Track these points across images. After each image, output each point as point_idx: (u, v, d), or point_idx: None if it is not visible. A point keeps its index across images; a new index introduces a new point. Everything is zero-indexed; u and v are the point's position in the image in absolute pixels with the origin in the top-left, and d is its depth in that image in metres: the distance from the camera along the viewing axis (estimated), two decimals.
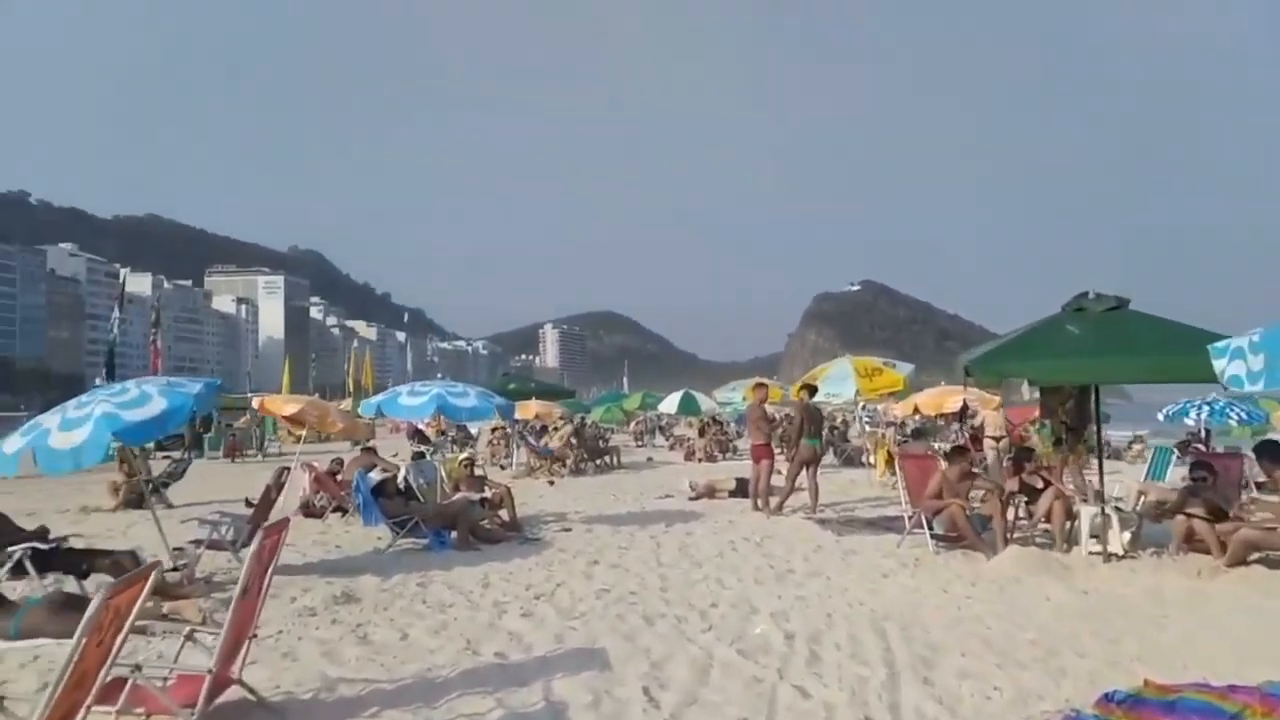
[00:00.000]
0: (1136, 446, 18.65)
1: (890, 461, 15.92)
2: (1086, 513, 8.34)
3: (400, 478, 10.63)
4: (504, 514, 10.99)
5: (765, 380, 13.40)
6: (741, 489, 14.47)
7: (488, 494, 10.90)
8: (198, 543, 8.04)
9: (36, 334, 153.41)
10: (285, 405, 14.41)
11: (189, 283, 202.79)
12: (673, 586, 7.61)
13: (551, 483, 17.49)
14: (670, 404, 28.36)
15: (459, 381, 12.93)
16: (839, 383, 13.20)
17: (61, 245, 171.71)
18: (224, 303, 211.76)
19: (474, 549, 9.42)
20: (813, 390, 12.49)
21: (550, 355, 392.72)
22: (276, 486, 9.52)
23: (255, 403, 17.24)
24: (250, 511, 9.08)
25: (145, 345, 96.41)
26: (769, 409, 13.60)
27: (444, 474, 11.98)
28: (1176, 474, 12.41)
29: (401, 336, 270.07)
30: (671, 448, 30.12)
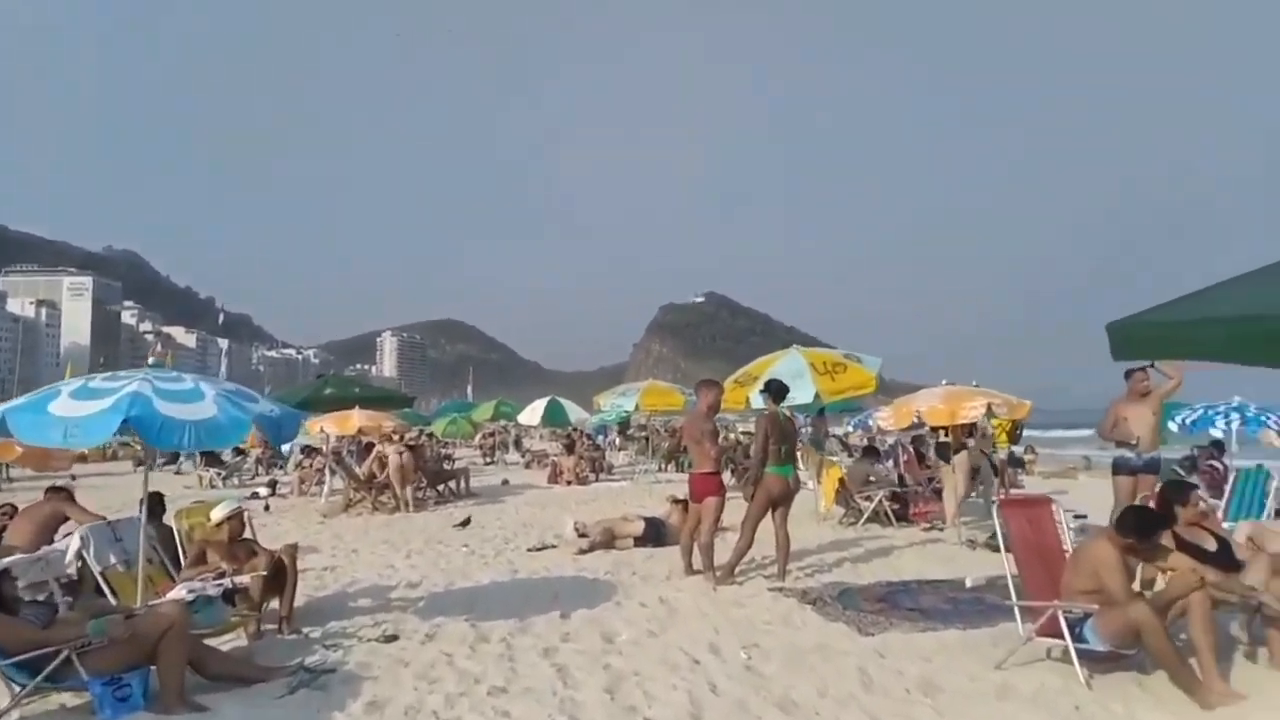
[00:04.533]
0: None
1: (842, 488, 11.99)
2: None
3: (69, 554, 5.64)
4: (277, 603, 6.24)
5: (715, 379, 9.01)
6: (654, 535, 10.13)
7: (245, 577, 6.01)
8: None
9: None
10: None
11: None
12: None
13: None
14: (532, 414, 23.60)
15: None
16: (791, 383, 9.08)
17: None
18: (20, 305, 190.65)
19: (192, 710, 4.62)
20: (778, 392, 8.26)
21: (388, 364, 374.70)
22: None
23: None
24: None
25: None
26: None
27: (180, 536, 6.95)
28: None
29: (224, 343, 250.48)
30: (528, 465, 25.55)
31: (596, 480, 19.76)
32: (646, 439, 24.71)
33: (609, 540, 10.01)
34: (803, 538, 9.94)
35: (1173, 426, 12.88)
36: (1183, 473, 13.81)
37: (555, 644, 5.94)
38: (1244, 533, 7.61)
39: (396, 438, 15.63)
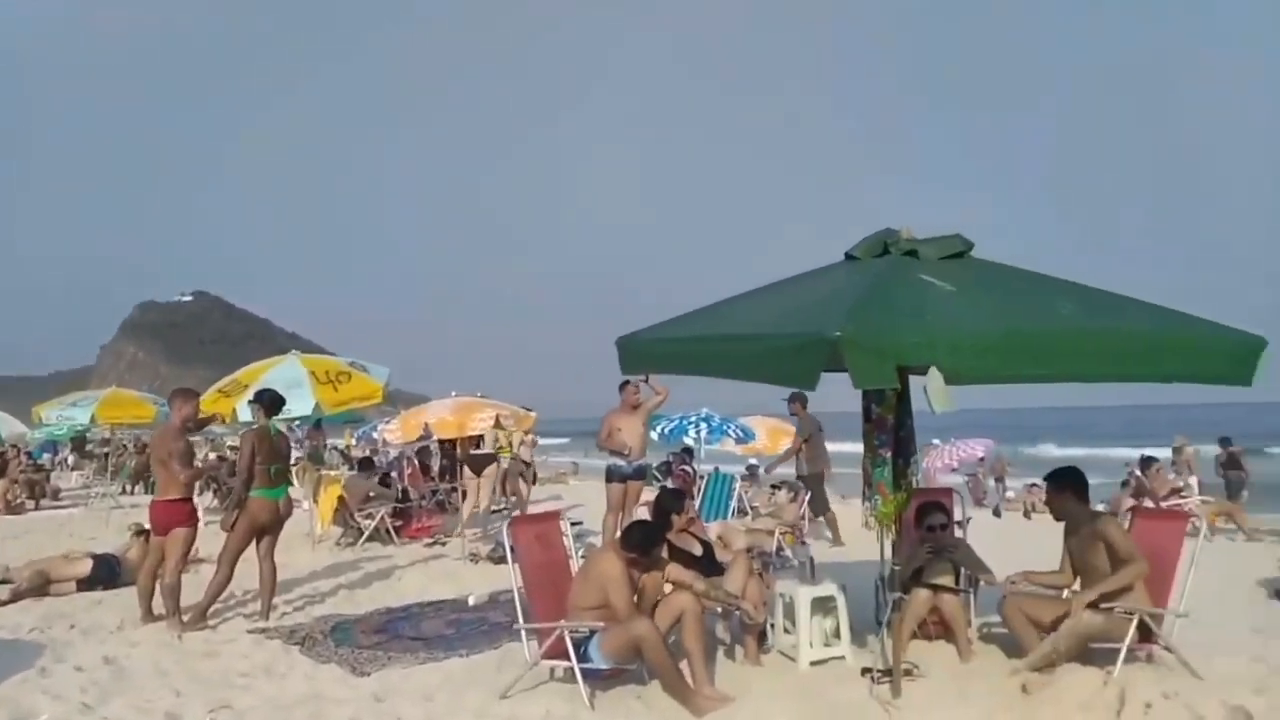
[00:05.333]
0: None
1: (341, 506, 11.11)
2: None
3: None
4: None
5: (193, 389, 7.51)
6: (106, 574, 8.32)
7: None
8: None
9: None
10: None
11: None
12: None
13: None
14: None
15: None
16: (287, 393, 8.10)
17: None
18: None
19: None
20: (271, 404, 7.19)
21: None
22: None
23: None
24: None
25: None
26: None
27: None
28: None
29: None
30: None
31: (36, 508, 16.28)
32: (106, 455, 21.04)
33: (42, 585, 8.00)
34: (294, 565, 8.94)
35: (654, 436, 14.23)
36: (661, 477, 15.37)
37: None
38: (715, 532, 8.44)
39: None
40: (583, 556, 5.80)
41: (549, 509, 7.78)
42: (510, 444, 16.43)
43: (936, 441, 20.38)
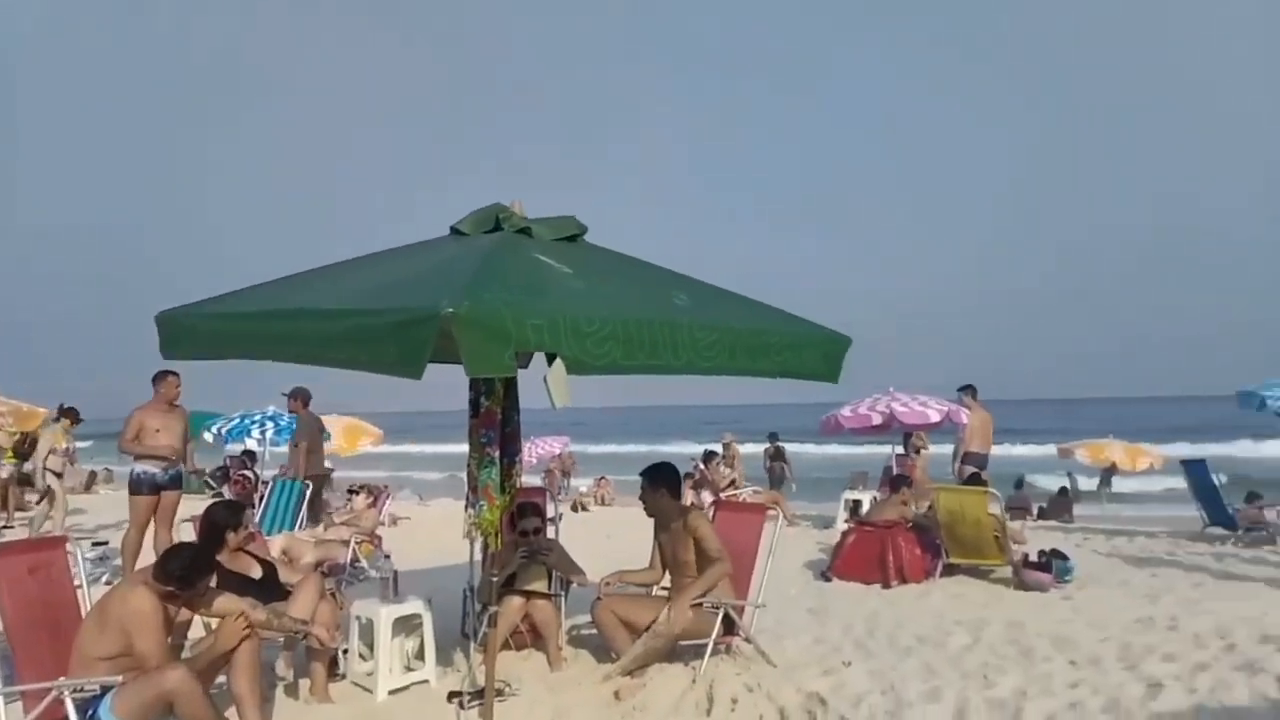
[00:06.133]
0: None
1: None
2: None
3: None
4: None
5: None
6: None
7: None
8: None
9: None
10: None
11: None
12: None
13: None
14: None
15: None
16: None
17: None
18: None
19: None
20: None
21: None
22: None
23: None
24: None
25: None
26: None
27: None
28: None
29: None
30: None
31: None
32: None
33: None
34: None
35: (208, 437, 12.40)
36: (215, 485, 13.47)
37: None
38: (279, 546, 7.38)
39: None
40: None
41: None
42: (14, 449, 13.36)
43: None
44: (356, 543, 8.31)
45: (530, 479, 19.50)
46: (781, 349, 3.72)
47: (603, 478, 19.09)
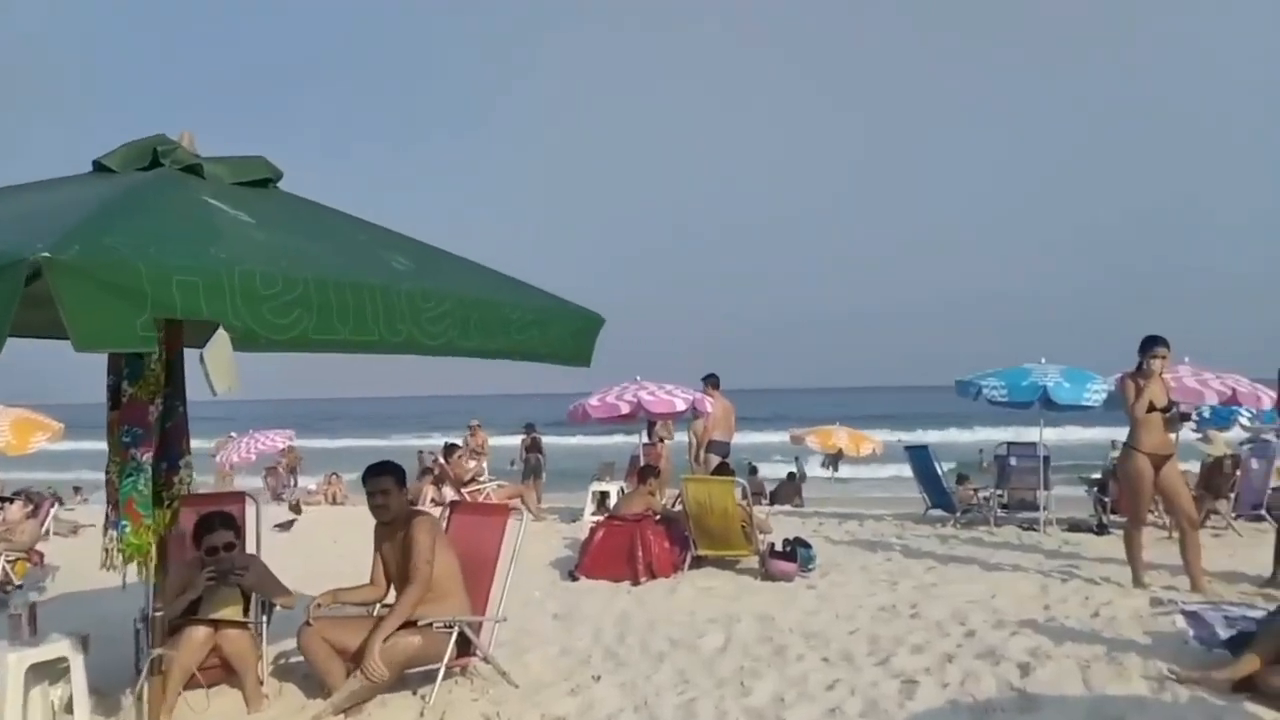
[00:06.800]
0: None
1: None
2: None
3: None
4: None
5: None
6: None
7: None
8: None
9: None
10: None
11: None
12: None
13: None
14: None
15: None
16: None
17: None
18: None
19: None
20: None
21: None
22: None
23: None
24: None
25: None
26: None
27: None
28: None
29: None
30: None
31: None
32: None
33: None
34: None
35: None
36: None
37: None
38: None
39: None
40: None
41: None
42: None
43: (234, 434, 18.62)
44: (8, 561, 6.81)
45: (251, 480, 17.67)
46: (525, 325, 3.12)
47: (334, 474, 17.68)
